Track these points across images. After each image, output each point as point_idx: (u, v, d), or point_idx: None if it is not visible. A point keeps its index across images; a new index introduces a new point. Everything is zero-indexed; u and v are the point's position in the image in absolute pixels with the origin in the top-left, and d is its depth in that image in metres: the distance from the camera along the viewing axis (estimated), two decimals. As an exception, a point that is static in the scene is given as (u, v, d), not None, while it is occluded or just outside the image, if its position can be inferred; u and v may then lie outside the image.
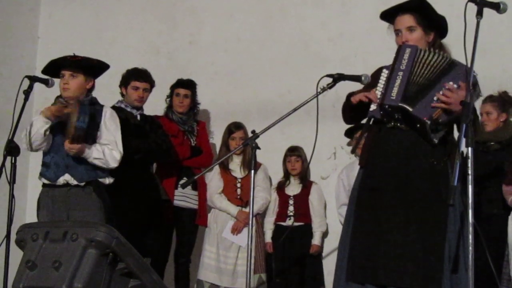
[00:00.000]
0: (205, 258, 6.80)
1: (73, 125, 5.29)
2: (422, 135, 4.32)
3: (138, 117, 6.49)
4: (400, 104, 4.30)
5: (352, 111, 4.58)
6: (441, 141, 4.33)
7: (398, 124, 4.40)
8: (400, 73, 4.34)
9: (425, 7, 4.47)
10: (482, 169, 5.72)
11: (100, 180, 5.55)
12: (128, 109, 6.47)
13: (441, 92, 4.24)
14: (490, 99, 6.10)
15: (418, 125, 4.31)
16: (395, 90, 4.31)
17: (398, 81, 4.32)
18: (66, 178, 5.47)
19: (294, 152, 7.08)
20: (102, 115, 5.60)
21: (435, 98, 4.25)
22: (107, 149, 5.51)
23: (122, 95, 6.60)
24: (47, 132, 5.40)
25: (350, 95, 4.58)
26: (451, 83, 4.24)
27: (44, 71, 5.66)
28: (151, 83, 6.60)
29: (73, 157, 5.44)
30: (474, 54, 3.84)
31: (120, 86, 6.62)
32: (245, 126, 6.96)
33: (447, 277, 4.17)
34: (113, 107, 6.25)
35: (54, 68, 5.62)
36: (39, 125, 5.37)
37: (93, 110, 5.51)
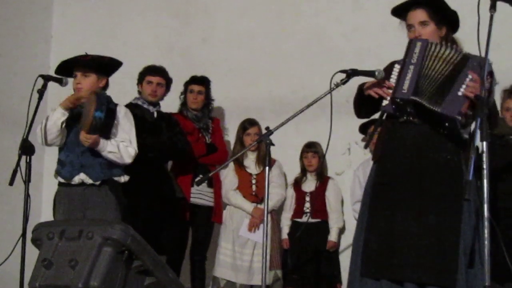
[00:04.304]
0: (220, 255, 6.81)
1: (91, 114, 5.27)
2: (451, 131, 4.29)
3: (155, 114, 6.52)
4: (411, 97, 4.29)
5: (364, 102, 4.57)
6: (456, 135, 4.31)
7: (411, 118, 4.39)
8: (411, 67, 4.32)
9: (437, 1, 4.46)
10: (500, 162, 5.70)
11: (116, 178, 5.55)
12: (145, 106, 6.51)
13: (463, 86, 4.21)
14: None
15: (447, 124, 4.28)
16: (406, 84, 4.30)
17: (409, 75, 4.31)
18: (81, 177, 5.46)
19: (311, 148, 7.07)
20: (116, 113, 5.61)
21: (459, 93, 4.22)
22: (122, 145, 5.51)
23: (139, 92, 6.65)
24: (63, 125, 5.41)
25: (361, 86, 4.57)
26: (472, 74, 4.20)
27: (57, 71, 5.67)
28: (167, 79, 6.63)
29: (88, 156, 5.45)
30: (488, 48, 3.83)
31: (137, 83, 6.68)
32: (259, 123, 6.96)
33: (462, 272, 4.16)
34: (130, 104, 6.31)
35: (67, 68, 5.63)
36: (56, 117, 5.38)
37: (109, 106, 5.52)
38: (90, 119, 5.27)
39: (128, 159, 5.54)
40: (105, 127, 5.43)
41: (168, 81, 6.66)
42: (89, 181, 5.47)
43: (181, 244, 6.83)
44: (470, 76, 4.20)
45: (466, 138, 4.29)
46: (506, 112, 6.02)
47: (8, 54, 8.18)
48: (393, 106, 4.38)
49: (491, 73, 4.24)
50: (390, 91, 4.38)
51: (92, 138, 5.33)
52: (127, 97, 6.57)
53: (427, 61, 4.33)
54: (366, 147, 5.20)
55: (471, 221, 4.25)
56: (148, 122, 6.38)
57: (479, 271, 4.13)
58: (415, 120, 4.39)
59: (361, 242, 4.43)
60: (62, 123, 5.39)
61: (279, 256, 6.84)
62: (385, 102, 4.42)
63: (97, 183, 5.48)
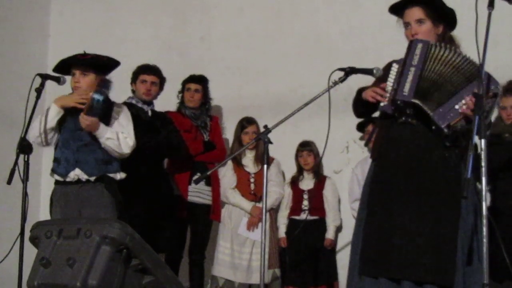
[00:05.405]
0: (219, 254, 6.80)
1: (91, 96, 5.31)
2: (436, 136, 4.30)
3: (149, 113, 6.52)
4: (412, 100, 4.28)
5: (363, 106, 4.57)
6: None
7: (410, 120, 4.39)
8: (412, 69, 4.31)
9: (434, -1, 4.46)
10: (496, 161, 5.68)
11: (111, 175, 5.55)
12: (139, 105, 6.50)
13: (463, 101, 4.20)
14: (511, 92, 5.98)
15: (434, 127, 4.28)
16: (407, 86, 4.29)
17: (410, 77, 4.30)
18: (76, 173, 5.46)
19: (305, 147, 7.07)
20: (113, 110, 5.62)
21: (457, 107, 4.21)
22: (121, 135, 5.51)
23: (133, 91, 6.64)
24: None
25: (360, 90, 4.57)
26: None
27: (55, 70, 5.67)
28: (160, 78, 6.63)
29: (83, 152, 5.46)
30: (486, 46, 3.82)
31: (131, 82, 6.67)
32: (257, 121, 6.96)
33: (460, 269, 4.16)
34: (124, 103, 6.27)
35: (65, 66, 5.62)
36: (52, 116, 5.43)
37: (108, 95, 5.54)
38: (90, 101, 5.29)
39: (126, 149, 5.53)
40: (104, 112, 5.43)
41: (162, 80, 6.66)
42: (85, 176, 5.47)
43: (179, 243, 6.83)
44: (471, 97, 4.18)
45: (448, 146, 4.28)
46: (502, 110, 5.99)
47: (5, 53, 8.19)
48: (393, 107, 4.37)
49: (495, 95, 4.23)
50: (387, 95, 4.37)
51: (90, 120, 5.34)
52: (124, 95, 6.56)
53: (428, 63, 4.32)
54: (366, 144, 5.21)
55: (469, 219, 4.24)
56: (143, 121, 6.36)
57: (478, 269, 4.12)
58: (413, 122, 4.39)
59: (359, 240, 4.43)
60: (56, 122, 5.42)
61: (277, 255, 6.84)
62: (383, 102, 4.41)
63: (92, 179, 5.48)
